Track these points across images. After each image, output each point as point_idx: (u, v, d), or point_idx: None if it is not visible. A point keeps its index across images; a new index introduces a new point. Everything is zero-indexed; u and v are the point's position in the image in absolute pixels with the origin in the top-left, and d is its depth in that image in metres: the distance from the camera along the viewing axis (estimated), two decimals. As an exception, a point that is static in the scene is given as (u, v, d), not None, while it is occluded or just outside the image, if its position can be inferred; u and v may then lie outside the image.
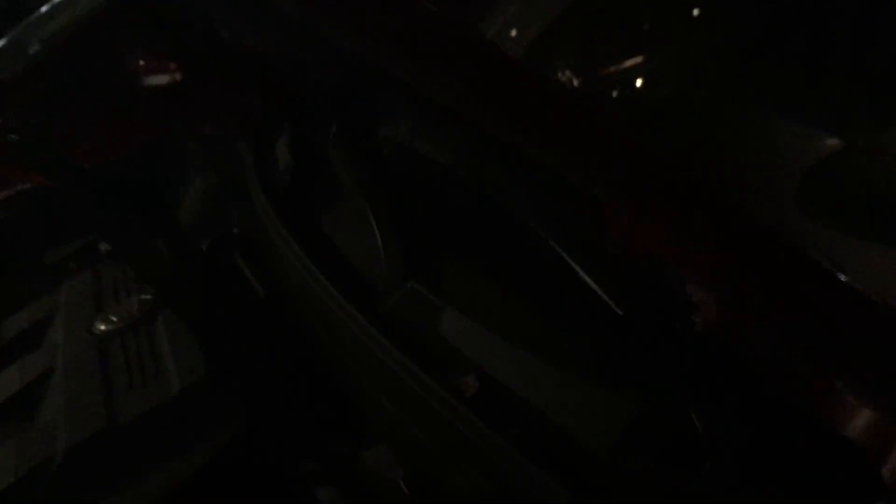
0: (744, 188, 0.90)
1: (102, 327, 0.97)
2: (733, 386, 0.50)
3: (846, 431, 0.44)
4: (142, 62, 1.76)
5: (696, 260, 0.47)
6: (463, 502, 0.65)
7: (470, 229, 0.83)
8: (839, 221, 0.81)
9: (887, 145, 0.92)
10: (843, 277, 0.45)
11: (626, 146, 0.54)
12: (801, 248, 0.47)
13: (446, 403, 0.65)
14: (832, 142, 0.98)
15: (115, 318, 0.98)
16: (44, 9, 2.03)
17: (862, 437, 0.43)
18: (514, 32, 1.42)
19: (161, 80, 1.73)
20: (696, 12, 1.55)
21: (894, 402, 0.44)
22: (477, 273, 0.76)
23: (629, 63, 1.54)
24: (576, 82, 1.48)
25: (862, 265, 0.72)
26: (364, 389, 0.76)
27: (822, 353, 0.45)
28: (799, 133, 1.01)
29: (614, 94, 1.49)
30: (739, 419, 0.49)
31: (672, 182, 0.51)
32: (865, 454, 0.43)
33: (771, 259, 0.46)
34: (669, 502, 0.52)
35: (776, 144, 1.00)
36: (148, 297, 1.02)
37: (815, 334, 0.45)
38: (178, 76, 1.71)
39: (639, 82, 1.55)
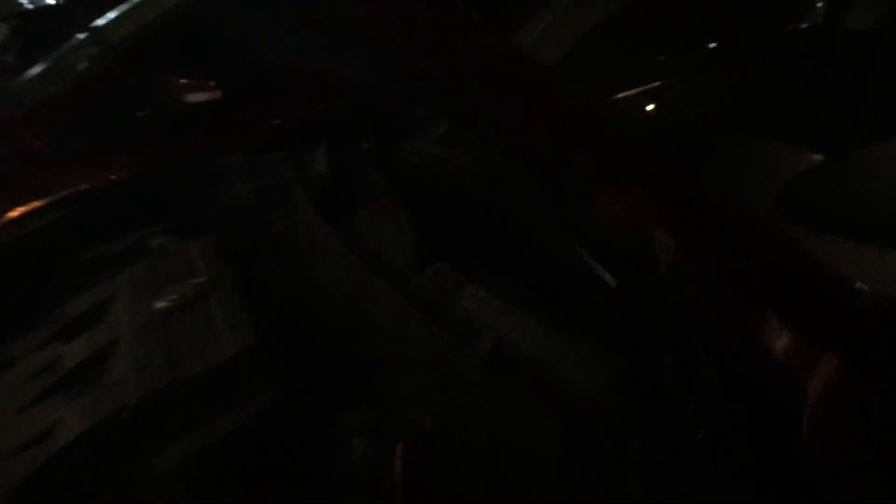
0: (732, 194, 1.03)
1: (162, 304, 1.10)
2: (694, 335, 0.62)
3: (778, 356, 0.55)
4: (182, 81, 1.91)
5: (662, 223, 0.59)
6: (479, 447, 0.77)
7: (483, 221, 0.96)
8: (814, 221, 0.93)
9: (860, 161, 1.05)
10: (769, 229, 0.57)
11: (616, 141, 0.67)
12: (741, 211, 0.59)
13: (466, 360, 0.78)
14: (814, 157, 1.11)
15: (173, 297, 1.11)
16: (97, 22, 2.19)
17: (791, 361, 0.55)
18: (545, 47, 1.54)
19: (201, 98, 1.88)
20: (712, 46, 1.68)
21: (816, 330, 0.56)
22: (491, 257, 0.89)
23: (642, 89, 1.66)
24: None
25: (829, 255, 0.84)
26: (394, 354, 0.89)
27: (758, 291, 0.57)
28: (782, 151, 1.14)
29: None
30: (699, 361, 0.61)
31: (649, 166, 0.64)
32: (793, 373, 0.55)
33: (717, 217, 0.58)
34: (647, 431, 0.64)
35: (763, 160, 1.13)
36: (202, 280, 1.15)
37: (752, 277, 0.57)
38: (217, 95, 1.86)
39: (649, 107, 1.67)
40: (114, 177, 1.73)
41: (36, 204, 1.61)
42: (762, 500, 0.55)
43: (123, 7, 1.89)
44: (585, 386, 0.70)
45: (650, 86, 1.65)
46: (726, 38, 1.67)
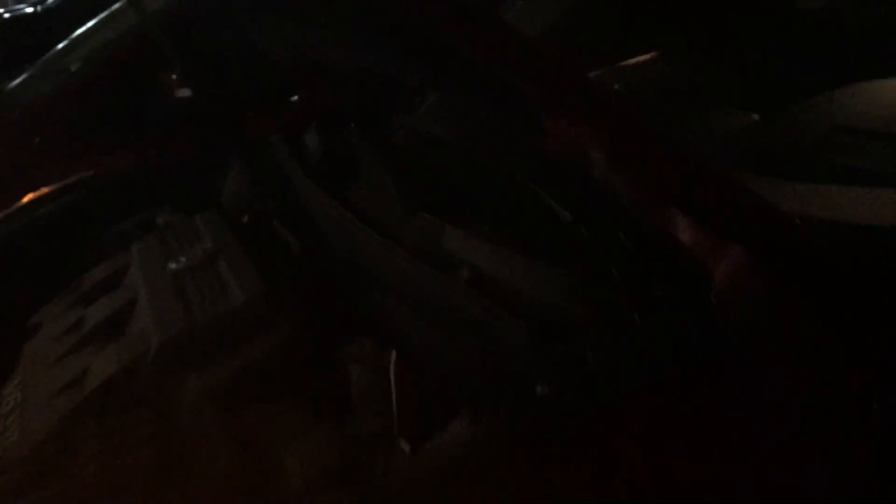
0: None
1: (174, 266, 1.23)
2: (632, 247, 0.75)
3: (689, 248, 0.69)
4: (177, 79, 2.02)
5: (604, 147, 0.71)
6: (462, 357, 0.90)
7: (460, 178, 1.09)
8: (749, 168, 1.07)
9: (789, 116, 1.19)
10: (684, 147, 0.70)
11: (567, 77, 0.79)
12: (663, 135, 0.72)
13: (449, 285, 0.91)
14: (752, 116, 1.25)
15: (184, 259, 1.24)
16: (86, 26, 2.30)
17: (699, 252, 0.68)
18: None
19: (192, 92, 1.99)
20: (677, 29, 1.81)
21: (721, 228, 0.69)
22: (466, 205, 1.02)
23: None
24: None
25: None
26: (388, 289, 1.02)
27: (674, 196, 0.70)
28: (724, 111, 1.28)
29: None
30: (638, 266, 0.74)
31: (593, 100, 0.77)
32: (703, 263, 0.68)
33: (643, 136, 0.71)
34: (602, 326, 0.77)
35: (706, 119, 1.27)
36: (209, 245, 1.28)
37: (669, 185, 0.71)
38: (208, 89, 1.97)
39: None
40: (114, 170, 1.85)
41: (46, 190, 1.73)
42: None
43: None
44: (548, 297, 0.83)
45: (620, 64, 1.78)
46: (692, 22, 1.81)
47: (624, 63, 1.77)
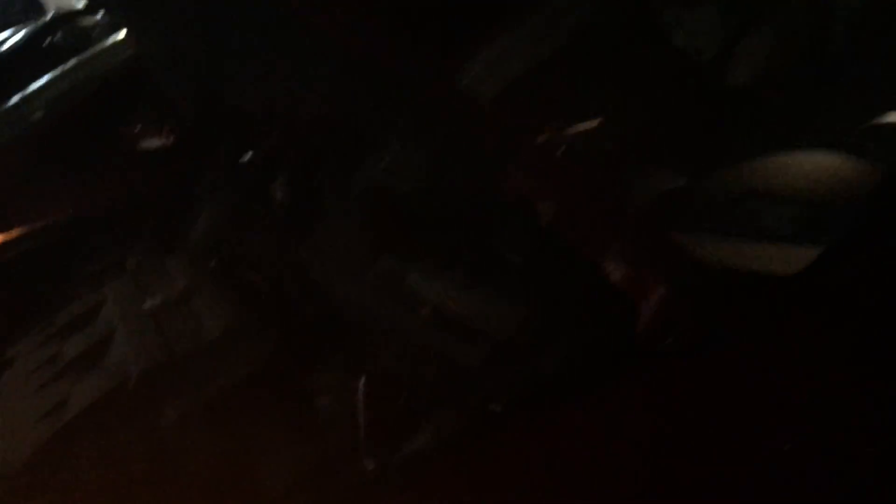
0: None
1: (151, 303, 1.31)
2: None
3: (617, 282, 0.82)
4: (139, 126, 2.11)
5: (552, 200, 0.85)
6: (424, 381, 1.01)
7: (420, 224, 1.21)
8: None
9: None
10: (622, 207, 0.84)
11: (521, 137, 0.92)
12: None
13: (413, 322, 1.02)
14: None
15: (159, 297, 1.32)
16: (47, 76, 2.37)
17: (628, 286, 0.81)
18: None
19: (156, 143, 2.07)
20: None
21: (646, 260, 0.82)
22: (426, 250, 1.14)
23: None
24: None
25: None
26: (359, 325, 1.12)
27: (607, 242, 0.83)
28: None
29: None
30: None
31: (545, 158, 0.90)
32: (630, 296, 0.82)
33: (590, 194, 0.85)
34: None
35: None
36: (182, 285, 1.36)
37: (606, 238, 0.84)
38: (171, 140, 2.06)
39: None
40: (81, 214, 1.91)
41: (15, 234, 1.79)
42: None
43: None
44: (499, 329, 0.95)
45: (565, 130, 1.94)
46: (633, 93, 1.99)
47: (569, 129, 1.94)
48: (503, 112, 0.90)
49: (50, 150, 2.10)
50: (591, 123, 1.98)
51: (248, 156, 1.89)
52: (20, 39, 2.57)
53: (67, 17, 2.57)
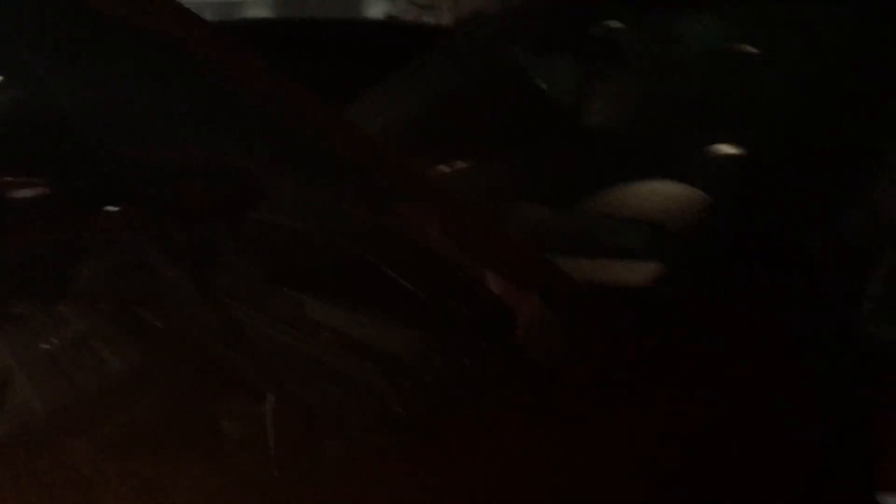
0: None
1: (47, 346, 1.34)
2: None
3: (499, 297, 0.95)
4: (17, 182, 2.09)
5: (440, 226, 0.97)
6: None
7: (311, 262, 1.31)
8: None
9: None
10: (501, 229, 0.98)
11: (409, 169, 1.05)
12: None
13: (315, 345, 1.12)
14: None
15: (55, 341, 1.35)
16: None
17: (506, 296, 0.95)
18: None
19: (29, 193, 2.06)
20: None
21: (522, 280, 0.96)
22: (320, 282, 1.24)
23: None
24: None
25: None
26: (263, 355, 1.20)
27: (488, 260, 0.97)
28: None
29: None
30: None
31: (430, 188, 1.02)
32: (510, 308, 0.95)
33: (474, 220, 0.98)
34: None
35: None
36: (79, 328, 1.39)
37: (487, 257, 0.98)
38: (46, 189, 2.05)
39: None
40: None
41: None
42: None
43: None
44: (393, 348, 1.06)
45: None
46: (502, 134, 2.17)
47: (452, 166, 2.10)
48: (389, 149, 1.01)
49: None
50: (469, 162, 2.15)
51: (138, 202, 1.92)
52: None
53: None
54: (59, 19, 1.18)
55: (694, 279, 1.10)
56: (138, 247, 1.68)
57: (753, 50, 2.00)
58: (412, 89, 2.03)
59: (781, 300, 1.11)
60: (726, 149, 1.66)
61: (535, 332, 0.96)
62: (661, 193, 1.53)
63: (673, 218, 1.36)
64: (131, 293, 1.60)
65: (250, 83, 1.05)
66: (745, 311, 1.06)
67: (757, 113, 1.67)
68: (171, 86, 1.36)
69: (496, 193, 1.86)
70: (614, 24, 2.21)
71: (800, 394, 1.10)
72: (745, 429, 1.03)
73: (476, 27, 2.23)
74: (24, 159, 2.08)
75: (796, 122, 1.38)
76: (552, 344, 0.96)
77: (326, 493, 0.97)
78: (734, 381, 1.03)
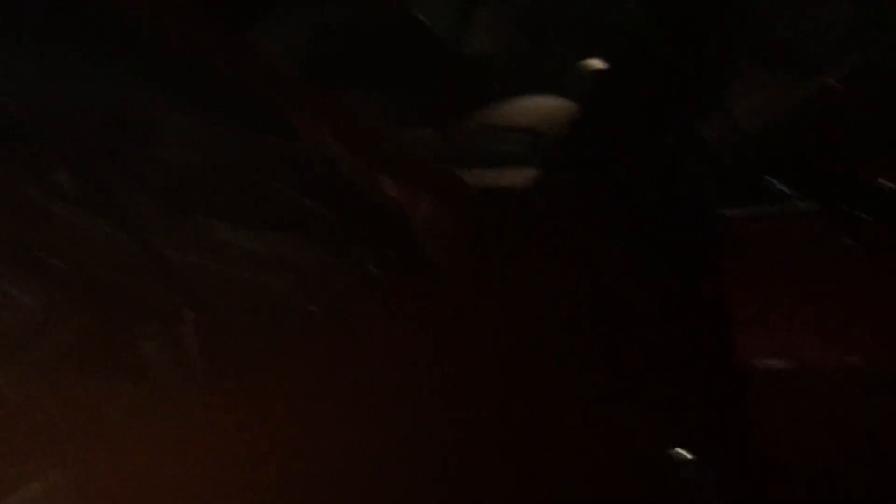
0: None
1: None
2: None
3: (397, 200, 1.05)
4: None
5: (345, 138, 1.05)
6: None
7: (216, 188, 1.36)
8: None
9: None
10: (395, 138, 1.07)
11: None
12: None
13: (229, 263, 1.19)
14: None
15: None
16: None
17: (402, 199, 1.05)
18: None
19: None
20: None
21: (417, 183, 1.06)
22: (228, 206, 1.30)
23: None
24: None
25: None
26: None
27: (388, 166, 1.06)
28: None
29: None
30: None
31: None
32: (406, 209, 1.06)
33: (372, 131, 1.07)
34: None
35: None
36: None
37: (386, 160, 1.07)
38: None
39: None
40: None
41: None
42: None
43: None
44: (307, 261, 1.14)
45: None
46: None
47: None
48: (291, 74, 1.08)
49: None
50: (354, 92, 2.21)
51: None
52: None
53: None
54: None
55: (567, 178, 1.23)
56: (29, 191, 1.67)
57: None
58: (297, 23, 2.07)
59: (644, 192, 1.26)
60: (595, 63, 1.81)
61: (430, 231, 1.06)
62: (538, 106, 1.66)
63: (549, 126, 1.49)
64: (32, 237, 1.59)
65: (142, 15, 1.08)
66: (611, 203, 1.20)
67: (621, 30, 1.82)
68: (57, 22, 1.35)
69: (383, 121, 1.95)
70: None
71: (664, 272, 1.26)
72: (616, 304, 1.18)
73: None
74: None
75: (654, 37, 1.52)
76: (447, 241, 1.07)
77: (249, 393, 1.05)
78: (606, 263, 1.17)
